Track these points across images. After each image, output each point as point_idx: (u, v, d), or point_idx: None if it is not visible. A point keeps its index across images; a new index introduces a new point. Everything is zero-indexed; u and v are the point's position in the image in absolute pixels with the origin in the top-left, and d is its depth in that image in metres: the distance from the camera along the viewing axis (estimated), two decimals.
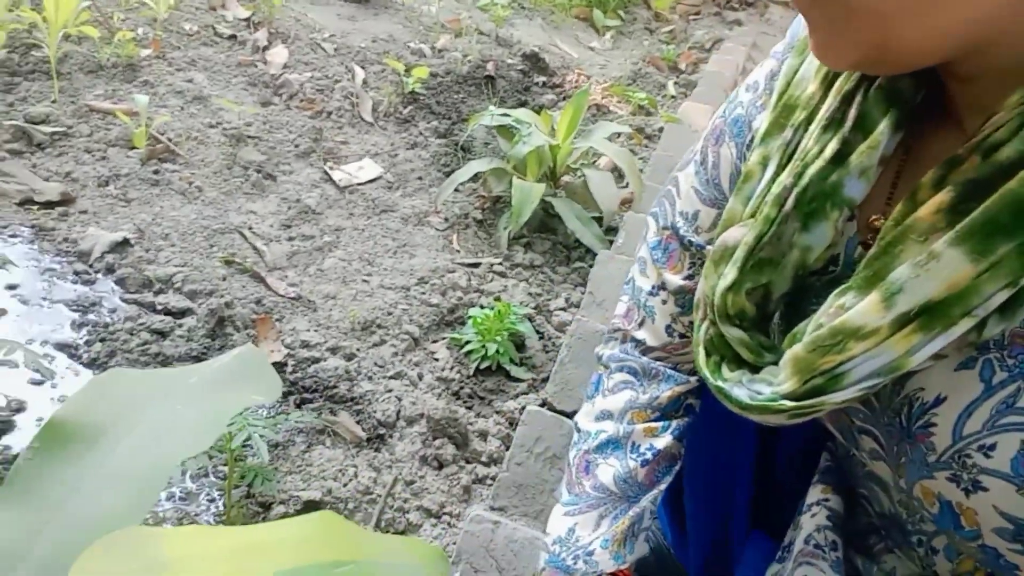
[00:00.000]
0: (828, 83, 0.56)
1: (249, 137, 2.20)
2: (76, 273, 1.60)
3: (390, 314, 1.67)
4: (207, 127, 2.19)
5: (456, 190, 2.16)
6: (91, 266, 1.63)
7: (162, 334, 1.48)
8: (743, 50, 3.50)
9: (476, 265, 1.94)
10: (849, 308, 0.48)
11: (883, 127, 0.52)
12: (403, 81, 2.67)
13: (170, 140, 2.08)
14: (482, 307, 1.72)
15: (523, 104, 2.83)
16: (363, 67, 2.76)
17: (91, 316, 1.50)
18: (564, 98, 2.96)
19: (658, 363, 0.82)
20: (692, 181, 0.75)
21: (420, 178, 2.28)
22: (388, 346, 1.58)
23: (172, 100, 2.27)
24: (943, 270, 0.43)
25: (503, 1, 3.62)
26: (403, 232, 2.01)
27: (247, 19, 2.87)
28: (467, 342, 1.58)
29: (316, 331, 1.58)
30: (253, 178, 2.04)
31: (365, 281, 1.78)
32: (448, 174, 2.28)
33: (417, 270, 1.86)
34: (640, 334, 0.83)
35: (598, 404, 0.85)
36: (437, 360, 1.56)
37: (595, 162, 2.40)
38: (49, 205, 1.76)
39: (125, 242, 1.69)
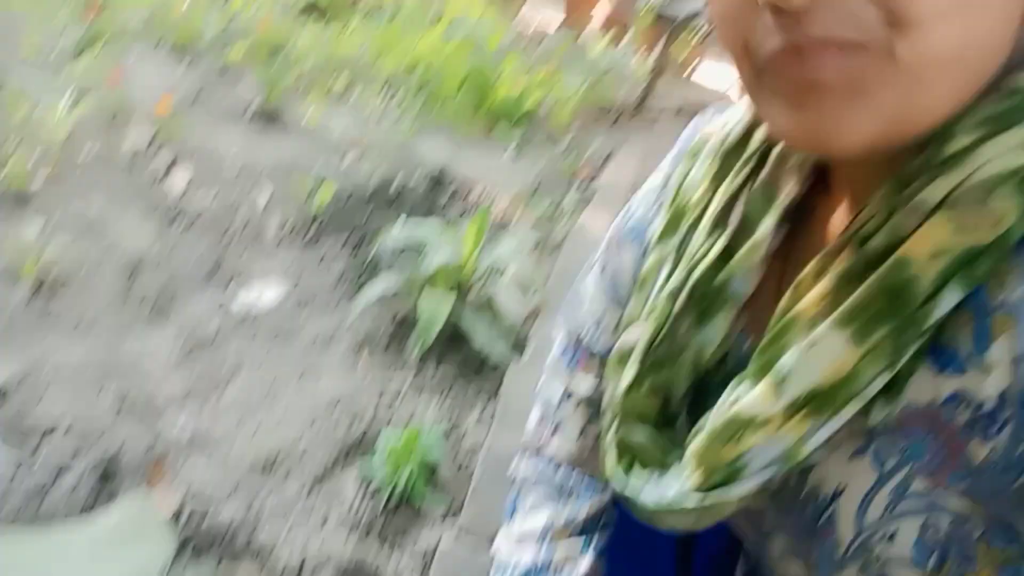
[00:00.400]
0: (716, 184, 0.59)
1: (147, 264, 2.14)
2: None
3: (293, 449, 1.62)
4: (102, 255, 2.13)
5: (364, 308, 2.15)
6: None
7: (45, 488, 1.39)
8: (636, 160, 3.68)
9: (386, 386, 1.91)
10: (742, 398, 0.49)
11: (766, 225, 0.54)
12: (309, 201, 2.67)
13: (62, 271, 2.00)
14: (391, 435, 1.68)
15: (431, 217, 2.87)
16: (268, 187, 2.76)
17: None
18: (471, 211, 3.02)
19: (574, 475, 0.81)
20: (595, 287, 0.76)
21: (327, 298, 2.26)
22: (291, 484, 1.52)
23: (67, 227, 2.20)
24: (826, 356, 0.44)
25: (408, 120, 3.72)
26: (309, 356, 1.98)
27: (151, 139, 2.85)
28: (376, 475, 1.54)
29: (214, 474, 1.51)
30: (149, 309, 1.98)
31: (267, 414, 1.73)
32: (359, 290, 2.27)
33: (322, 396, 1.82)
34: (553, 445, 0.81)
35: (516, 528, 0.83)
36: (345, 497, 1.51)
37: (501, 275, 2.43)
38: None
39: (4, 387, 1.60)
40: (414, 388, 1.92)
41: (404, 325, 2.15)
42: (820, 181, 0.55)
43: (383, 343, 2.09)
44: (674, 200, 0.62)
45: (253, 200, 2.64)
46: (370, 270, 2.41)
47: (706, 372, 0.58)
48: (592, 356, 0.77)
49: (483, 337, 2.04)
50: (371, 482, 1.54)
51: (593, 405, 0.78)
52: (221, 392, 1.78)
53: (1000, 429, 0.41)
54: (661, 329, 0.57)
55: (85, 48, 3.29)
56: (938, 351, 0.44)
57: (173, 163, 2.72)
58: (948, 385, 0.44)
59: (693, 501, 0.51)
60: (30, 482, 1.39)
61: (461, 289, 2.23)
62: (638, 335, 0.59)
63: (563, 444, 0.80)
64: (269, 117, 3.32)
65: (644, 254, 0.66)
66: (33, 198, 2.28)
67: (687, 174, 0.62)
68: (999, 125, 0.42)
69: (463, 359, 2.07)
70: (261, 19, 4.08)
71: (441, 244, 2.13)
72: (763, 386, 0.47)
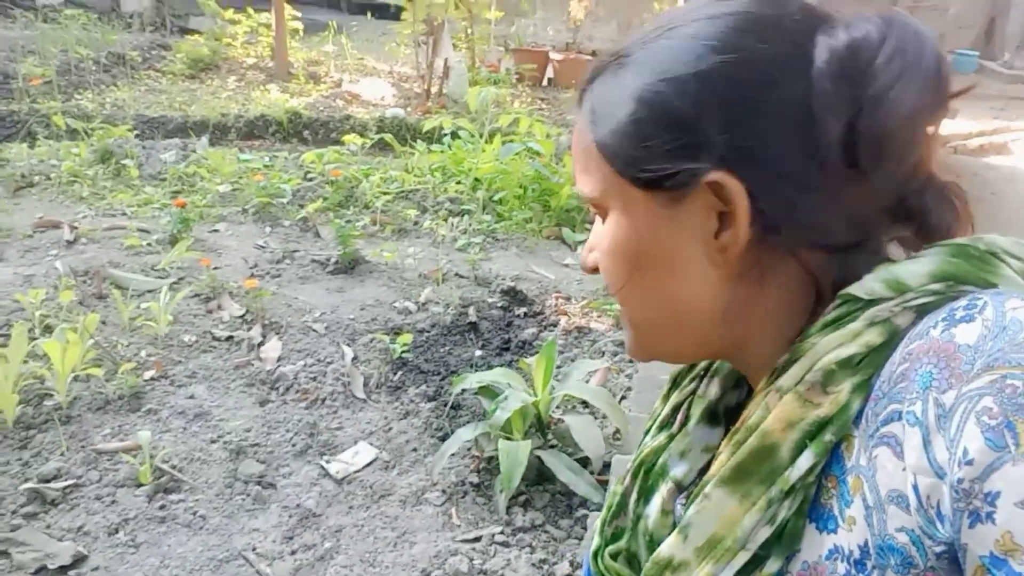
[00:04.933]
0: (666, 399, 0.74)
1: (249, 446, 2.31)
2: None
3: None
4: (209, 444, 2.31)
5: (452, 455, 2.23)
6: None
7: None
8: None
9: (478, 539, 1.97)
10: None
11: (693, 421, 0.69)
12: (391, 348, 2.82)
13: (174, 467, 2.19)
14: None
15: (507, 343, 2.96)
16: (353, 341, 2.93)
17: None
18: (546, 327, 3.09)
19: None
20: None
21: (415, 449, 2.35)
22: None
23: (175, 422, 2.41)
24: (715, 508, 0.55)
25: (477, 240, 3.87)
26: (402, 518, 2.06)
27: (242, 316, 3.09)
28: None
29: None
30: (254, 492, 2.13)
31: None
32: (442, 439, 2.36)
33: (419, 560, 1.89)
34: None
35: None
36: None
37: (575, 407, 2.47)
38: (63, 570, 1.84)
39: None
40: (505, 537, 1.97)
41: (491, 468, 2.22)
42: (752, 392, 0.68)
43: (472, 491, 2.16)
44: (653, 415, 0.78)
45: (340, 357, 2.80)
46: (454, 411, 2.51)
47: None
48: None
49: (566, 475, 2.08)
50: None
51: None
52: (325, 570, 1.88)
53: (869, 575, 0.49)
54: (612, 505, 0.71)
55: (178, 234, 3.61)
56: (818, 512, 0.53)
57: (264, 336, 2.93)
58: (828, 541, 0.52)
59: None
60: None
61: (541, 425, 2.28)
62: (601, 511, 0.75)
63: None
64: (348, 265, 3.53)
65: None
66: (144, 397, 2.50)
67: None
68: (836, 327, 0.53)
69: (552, 496, 2.11)
70: (332, 170, 4.36)
71: (511, 390, 2.19)
72: (674, 534, 0.58)
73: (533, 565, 1.86)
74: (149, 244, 3.59)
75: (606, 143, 0.59)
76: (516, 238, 4.04)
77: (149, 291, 3.13)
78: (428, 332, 3.03)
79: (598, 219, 0.65)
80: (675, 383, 0.74)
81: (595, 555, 0.72)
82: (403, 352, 2.80)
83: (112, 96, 6.26)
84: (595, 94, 0.61)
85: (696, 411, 0.68)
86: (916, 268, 0.53)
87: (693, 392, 0.71)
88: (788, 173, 0.55)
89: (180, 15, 8.97)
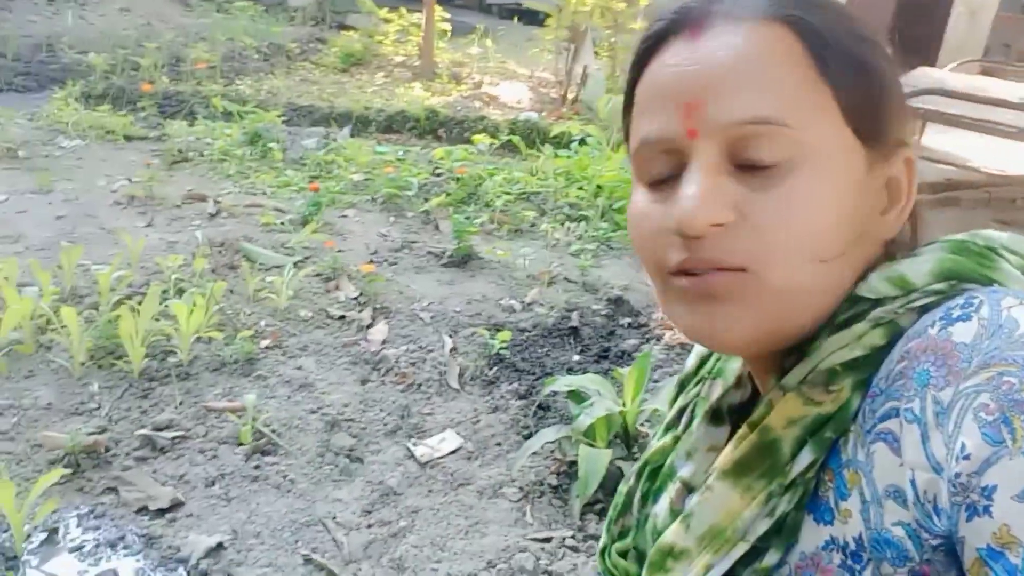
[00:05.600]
0: (672, 402, 0.74)
1: (344, 420, 2.41)
2: None
3: None
4: (308, 414, 2.43)
5: (534, 453, 2.25)
6: (188, 573, 1.80)
7: None
8: None
9: (548, 540, 1.97)
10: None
11: (696, 423, 0.67)
12: (491, 343, 2.86)
13: (273, 432, 2.31)
14: None
15: (606, 352, 2.94)
16: (455, 332, 3.00)
17: None
18: (648, 340, 3.05)
19: None
20: None
21: (499, 444, 2.38)
22: None
23: (281, 390, 2.54)
24: (717, 500, 0.55)
25: (591, 246, 3.86)
26: (477, 508, 2.09)
27: (356, 298, 3.22)
28: None
29: None
30: (342, 464, 2.22)
31: (434, 571, 1.85)
32: (527, 437, 2.37)
33: (487, 551, 1.92)
34: None
35: None
36: None
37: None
38: (160, 512, 1.98)
39: (219, 546, 1.87)
40: (576, 543, 1.96)
41: (571, 472, 2.21)
42: (757, 392, 0.66)
43: (550, 492, 2.16)
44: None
45: (441, 347, 2.87)
46: (543, 411, 2.52)
47: None
48: None
49: None
50: None
51: None
52: (396, 547, 1.94)
53: (864, 568, 0.49)
54: (618, 504, 0.72)
55: (309, 216, 3.81)
56: (816, 505, 0.53)
57: (374, 319, 3.05)
58: (825, 532, 0.52)
59: None
60: None
61: (627, 436, 2.26)
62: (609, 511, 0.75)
63: None
64: (461, 260, 3.61)
65: None
66: (257, 364, 2.66)
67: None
68: (844, 327, 0.53)
69: None
70: (459, 167, 4.48)
71: (598, 397, 2.18)
72: (677, 522, 0.58)
73: (599, 574, 1.84)
74: (282, 223, 3.81)
75: (847, 68, 0.52)
76: (631, 248, 4.00)
77: (276, 267, 3.32)
78: (529, 332, 3.06)
79: (703, 168, 0.52)
80: (682, 387, 0.74)
81: (602, 553, 0.73)
82: (501, 348, 2.84)
83: (268, 84, 6.68)
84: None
85: (700, 412, 0.68)
86: (919, 266, 0.53)
87: (698, 395, 0.71)
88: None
89: (340, 12, 9.45)
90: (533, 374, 2.75)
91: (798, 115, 0.51)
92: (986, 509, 0.41)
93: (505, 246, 3.75)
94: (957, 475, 0.42)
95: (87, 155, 4.62)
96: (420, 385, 2.66)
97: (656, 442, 0.71)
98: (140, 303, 2.63)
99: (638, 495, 0.70)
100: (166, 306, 2.68)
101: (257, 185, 4.36)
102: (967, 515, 0.42)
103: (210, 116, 5.33)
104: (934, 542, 0.45)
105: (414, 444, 2.35)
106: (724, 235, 0.51)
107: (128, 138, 4.95)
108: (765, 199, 0.51)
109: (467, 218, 3.91)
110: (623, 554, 0.70)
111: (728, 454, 0.57)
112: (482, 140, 4.80)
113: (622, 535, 0.71)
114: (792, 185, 0.51)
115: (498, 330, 2.95)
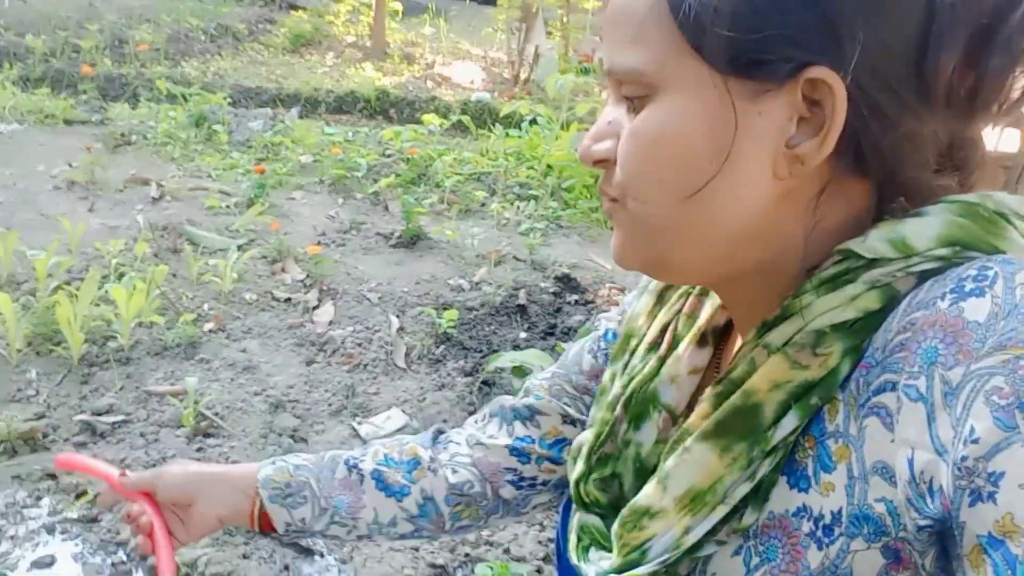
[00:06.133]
0: (652, 316, 0.71)
1: (288, 401, 2.41)
2: (114, 565, 1.77)
3: None
4: (252, 396, 2.42)
5: None
6: (128, 556, 1.79)
7: None
8: None
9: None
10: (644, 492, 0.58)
11: (684, 344, 0.65)
12: (438, 322, 2.88)
13: (216, 414, 2.30)
14: (490, 566, 1.76)
15: (552, 328, 2.97)
16: (402, 312, 3.00)
17: None
18: (595, 315, 3.09)
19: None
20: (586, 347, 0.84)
21: (445, 420, 2.40)
22: None
23: (224, 373, 2.53)
24: (696, 462, 0.54)
25: (540, 225, 3.89)
26: None
27: (303, 280, 3.21)
28: None
29: None
30: (286, 444, 2.22)
31: (377, 546, 1.87)
32: (472, 412, 2.39)
33: None
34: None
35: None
36: None
37: None
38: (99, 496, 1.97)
39: None
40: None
41: None
42: None
43: None
44: (625, 326, 0.73)
45: (388, 327, 2.88)
46: (483, 393, 2.54)
47: (653, 468, 0.64)
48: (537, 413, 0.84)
49: None
50: None
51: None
52: None
53: (833, 541, 0.48)
54: (603, 431, 0.68)
55: (255, 198, 3.77)
56: (791, 468, 0.52)
57: (320, 300, 3.04)
58: (797, 499, 0.51)
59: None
60: None
61: None
62: (587, 437, 0.70)
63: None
64: (410, 240, 3.61)
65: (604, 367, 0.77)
66: (200, 347, 2.64)
67: (636, 307, 0.74)
68: (832, 286, 0.50)
69: None
70: (409, 148, 4.46)
71: (545, 367, 2.21)
72: (653, 483, 0.57)
73: (539, 543, 1.88)
74: (228, 206, 3.77)
75: (692, 8, 0.49)
76: (580, 226, 4.04)
77: (221, 250, 3.29)
78: (477, 311, 3.07)
79: (611, 104, 0.57)
80: (661, 298, 0.71)
81: (577, 482, 0.68)
82: (448, 327, 2.85)
83: (215, 65, 6.57)
84: None
85: (685, 332, 0.66)
86: (922, 229, 0.49)
87: (679, 310, 0.68)
88: (896, 89, 0.48)
89: None
90: (480, 352, 2.77)
91: (647, 57, 0.51)
92: (991, 496, 0.39)
93: (454, 226, 3.76)
94: (963, 458, 0.40)
95: (25, 140, 4.51)
96: (366, 365, 2.66)
97: (639, 363, 0.68)
98: (79, 289, 2.59)
99: (624, 424, 0.67)
100: (106, 291, 2.64)
101: (202, 168, 4.30)
102: (970, 500, 0.40)
103: (154, 99, 5.24)
104: (921, 522, 0.43)
105: (359, 423, 2.36)
106: (611, 166, 0.56)
107: (68, 122, 4.84)
108: (624, 134, 0.54)
109: (416, 199, 3.91)
110: (602, 482, 0.68)
111: (706, 410, 0.55)
112: (431, 121, 4.79)
113: (600, 464, 0.68)
114: (642, 118, 0.53)
115: (446, 309, 2.97)
